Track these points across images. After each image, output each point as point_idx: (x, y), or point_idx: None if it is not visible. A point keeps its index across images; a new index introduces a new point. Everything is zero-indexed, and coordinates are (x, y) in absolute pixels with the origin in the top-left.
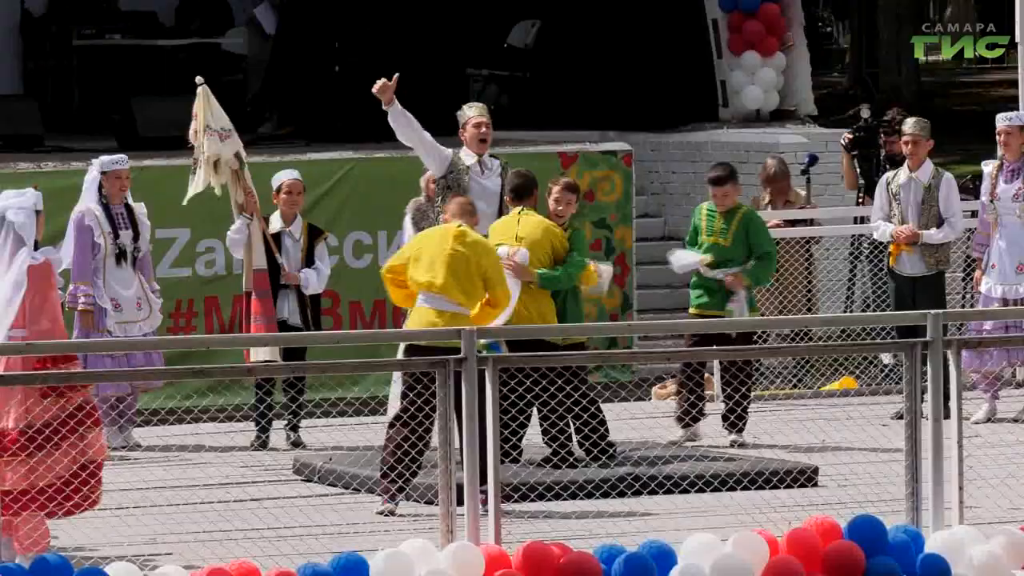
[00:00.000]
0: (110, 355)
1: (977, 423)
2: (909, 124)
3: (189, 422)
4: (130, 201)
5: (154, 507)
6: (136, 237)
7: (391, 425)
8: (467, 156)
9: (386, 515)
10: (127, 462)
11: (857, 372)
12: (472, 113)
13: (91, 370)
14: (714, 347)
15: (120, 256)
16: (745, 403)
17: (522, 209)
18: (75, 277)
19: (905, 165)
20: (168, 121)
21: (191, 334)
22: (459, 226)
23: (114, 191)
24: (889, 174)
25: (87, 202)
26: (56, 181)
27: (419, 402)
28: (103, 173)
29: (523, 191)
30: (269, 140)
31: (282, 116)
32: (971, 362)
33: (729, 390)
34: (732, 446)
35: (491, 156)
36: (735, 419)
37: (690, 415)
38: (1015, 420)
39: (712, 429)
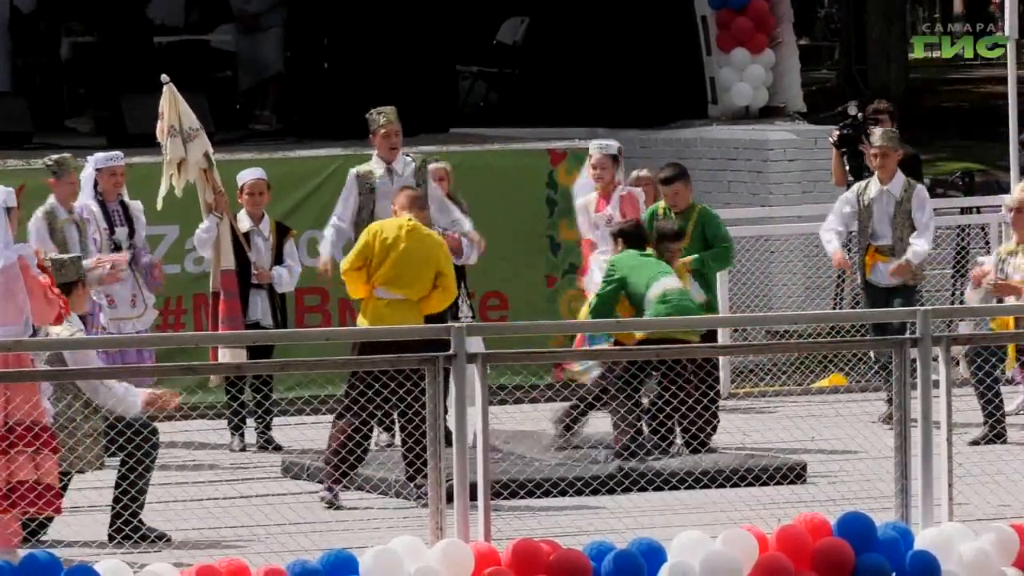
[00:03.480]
0: (104, 352)
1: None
2: (877, 136)
3: (179, 419)
4: (126, 199)
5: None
6: (132, 235)
7: (338, 416)
8: (377, 165)
9: (330, 507)
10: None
11: (847, 369)
12: (382, 121)
13: (82, 367)
14: (705, 344)
15: (115, 252)
16: (713, 408)
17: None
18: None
19: (875, 177)
20: (157, 118)
21: (180, 331)
22: (409, 220)
23: (109, 187)
24: (859, 185)
25: (83, 198)
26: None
27: (362, 401)
28: (98, 170)
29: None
30: (259, 137)
31: (272, 113)
32: None
33: (697, 395)
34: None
35: (404, 155)
36: (703, 423)
37: (642, 450)
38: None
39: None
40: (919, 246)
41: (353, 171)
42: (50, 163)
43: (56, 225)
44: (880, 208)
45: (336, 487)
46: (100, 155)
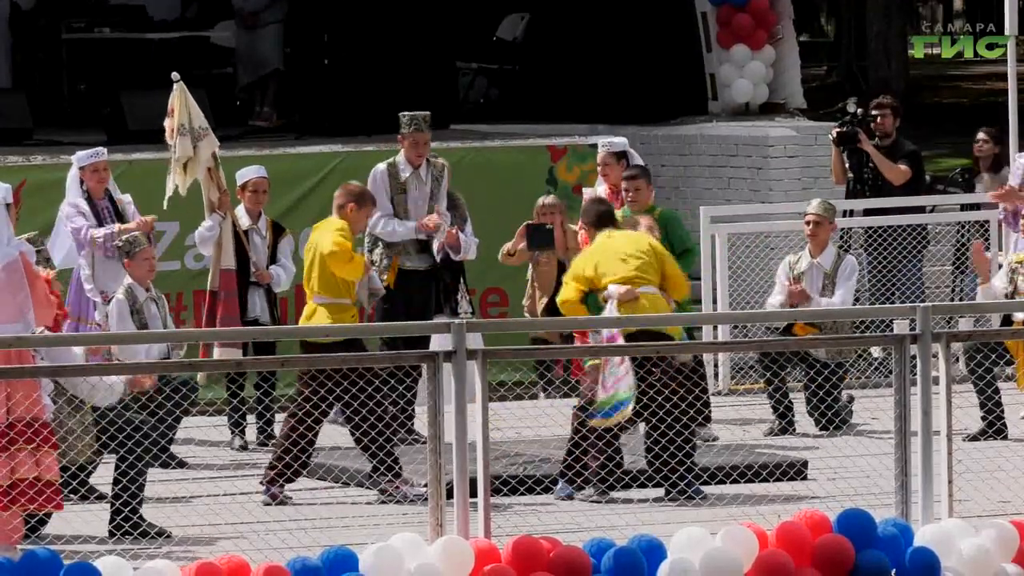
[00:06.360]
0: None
1: None
2: (813, 205)
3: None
4: (115, 193)
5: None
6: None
7: (291, 415)
8: (404, 167)
9: (272, 504)
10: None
11: (847, 366)
12: (412, 128)
13: (80, 364)
14: (705, 342)
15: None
16: (704, 396)
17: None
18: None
19: (807, 250)
20: (157, 114)
21: (180, 327)
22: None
23: (92, 185)
24: (792, 257)
25: (71, 197)
26: (45, 175)
27: (315, 399)
28: (81, 168)
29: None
30: (259, 133)
31: (272, 109)
32: None
33: (689, 384)
34: (706, 441)
35: (429, 159)
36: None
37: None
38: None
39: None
40: (831, 296)
41: (381, 166)
42: (121, 244)
43: (136, 305)
44: (809, 282)
45: (276, 485)
46: (82, 153)
